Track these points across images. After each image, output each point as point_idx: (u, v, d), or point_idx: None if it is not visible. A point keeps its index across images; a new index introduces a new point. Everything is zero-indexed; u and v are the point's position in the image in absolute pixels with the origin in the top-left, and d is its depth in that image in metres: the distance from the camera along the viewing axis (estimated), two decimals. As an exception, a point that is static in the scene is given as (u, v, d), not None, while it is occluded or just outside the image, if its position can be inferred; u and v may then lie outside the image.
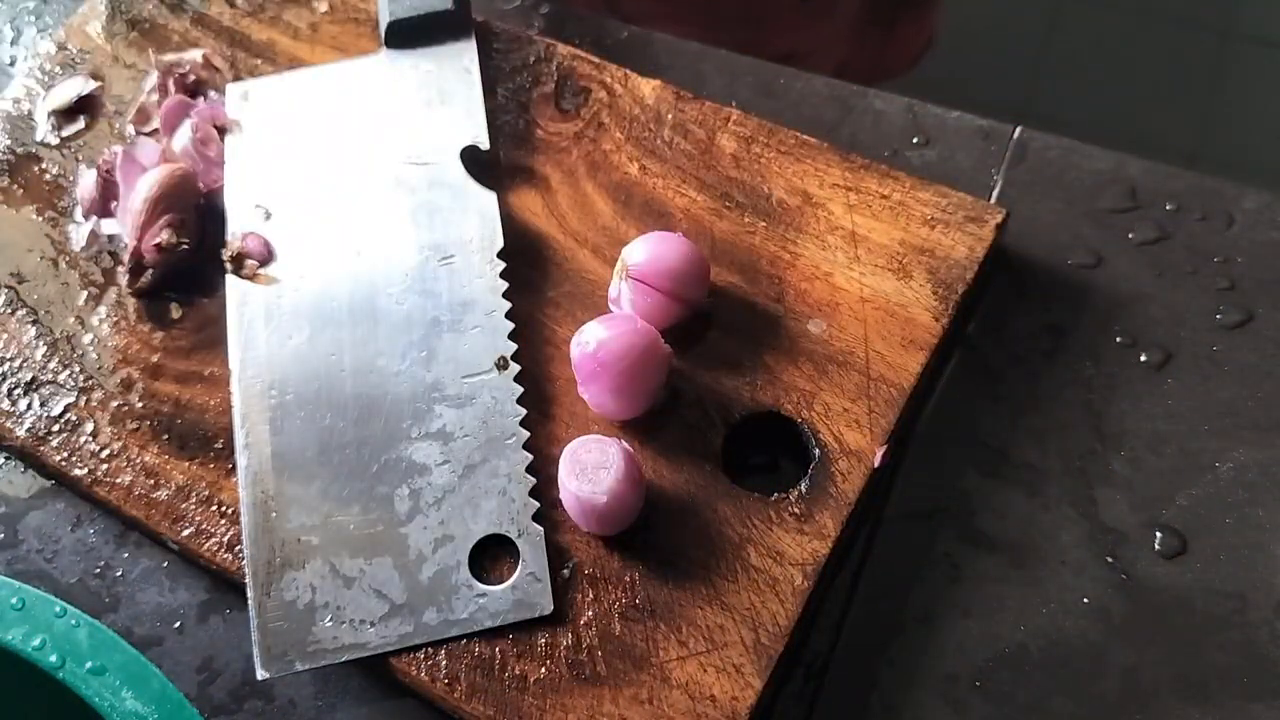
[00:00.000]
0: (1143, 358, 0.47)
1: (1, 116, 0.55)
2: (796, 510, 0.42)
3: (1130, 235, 0.49)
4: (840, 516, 0.42)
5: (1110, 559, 0.43)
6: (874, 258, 0.47)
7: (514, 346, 0.46)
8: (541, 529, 0.42)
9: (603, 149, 0.51)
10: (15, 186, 0.53)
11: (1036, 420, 0.46)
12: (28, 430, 0.47)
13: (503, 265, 0.47)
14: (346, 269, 0.48)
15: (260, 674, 0.40)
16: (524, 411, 0.44)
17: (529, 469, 0.43)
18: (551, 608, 0.41)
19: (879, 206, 0.48)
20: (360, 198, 0.50)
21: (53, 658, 0.32)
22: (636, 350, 0.42)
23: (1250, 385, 0.45)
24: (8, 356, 0.49)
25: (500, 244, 0.48)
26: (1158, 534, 0.43)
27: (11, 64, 0.59)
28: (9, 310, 0.50)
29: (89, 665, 0.32)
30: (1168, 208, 0.50)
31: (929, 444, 0.46)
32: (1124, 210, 0.50)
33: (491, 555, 0.42)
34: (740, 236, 0.48)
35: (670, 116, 0.51)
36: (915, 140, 0.52)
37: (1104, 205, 0.50)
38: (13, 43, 0.60)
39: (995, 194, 0.51)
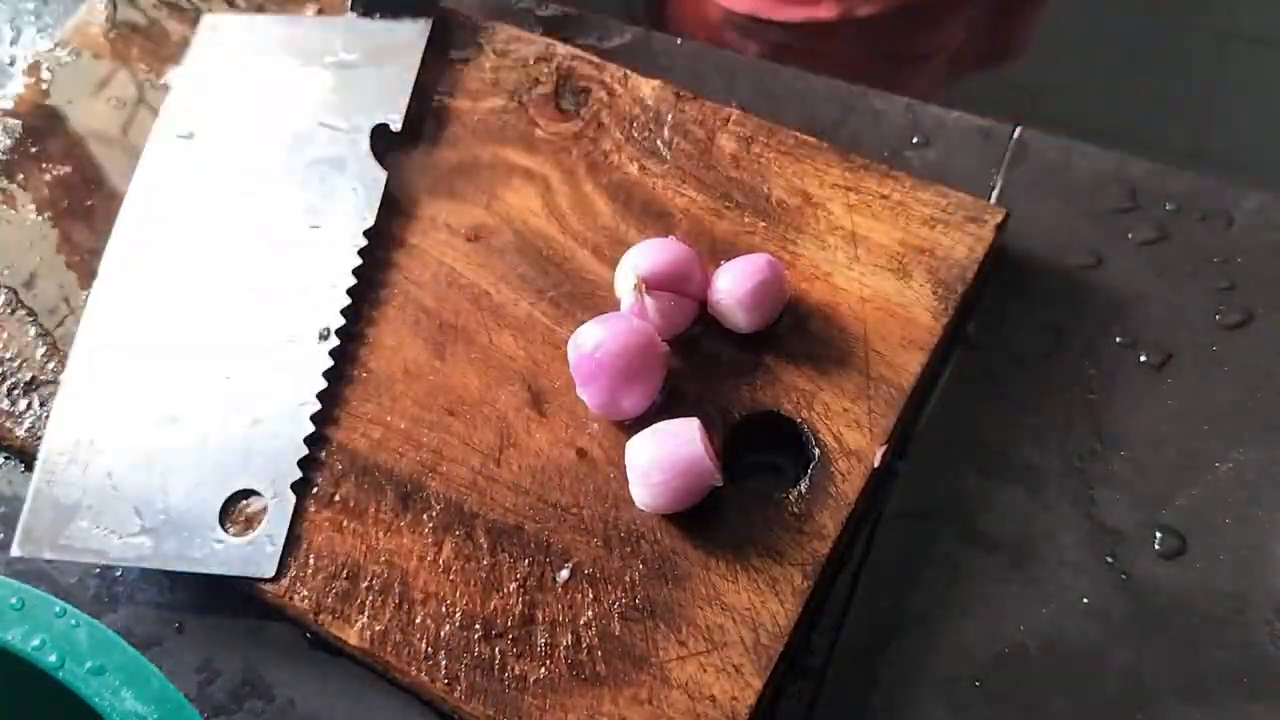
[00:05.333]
0: (1143, 358, 0.47)
1: (1, 116, 0.55)
2: (796, 510, 0.42)
3: (1130, 235, 0.49)
4: (840, 516, 0.42)
5: (1110, 559, 0.43)
6: (874, 258, 0.47)
7: (342, 321, 0.47)
8: (294, 497, 0.44)
9: (603, 149, 0.51)
10: (15, 186, 0.53)
11: (1036, 420, 0.46)
12: (27, 430, 0.47)
13: (365, 243, 0.49)
14: (228, 203, 0.51)
15: (15, 551, 0.43)
16: (325, 384, 0.46)
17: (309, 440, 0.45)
18: (272, 573, 0.42)
19: (879, 206, 0.48)
20: (269, 142, 0.52)
21: (52, 658, 0.32)
22: (634, 350, 0.42)
23: (1250, 385, 0.45)
24: (8, 356, 0.49)
25: (371, 223, 0.49)
26: (1158, 534, 0.43)
27: (11, 64, 0.59)
28: (9, 310, 0.50)
29: (89, 665, 0.32)
30: (1168, 208, 0.49)
31: (929, 444, 0.46)
32: (1124, 210, 0.50)
33: (257, 508, 0.44)
34: (740, 236, 0.48)
35: (670, 116, 0.51)
36: (915, 140, 0.52)
37: (1104, 205, 0.50)
38: (12, 43, 0.60)
39: (995, 194, 0.51)
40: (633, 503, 0.42)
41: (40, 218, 0.52)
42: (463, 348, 0.47)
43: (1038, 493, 0.44)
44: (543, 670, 0.40)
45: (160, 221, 0.50)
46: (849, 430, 0.43)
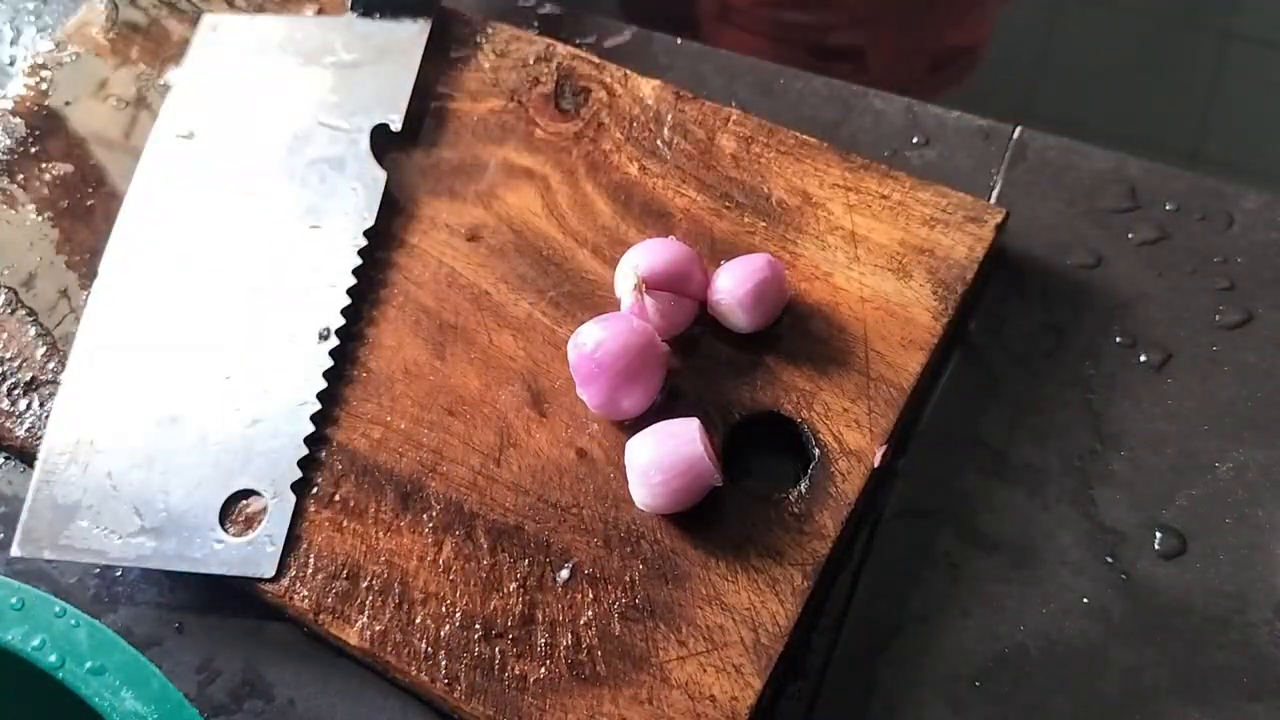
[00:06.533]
0: (1143, 358, 0.47)
1: (1, 116, 0.55)
2: (796, 510, 0.42)
3: (1130, 235, 0.49)
4: (840, 516, 0.42)
5: (1110, 559, 0.43)
6: (874, 258, 0.47)
7: (342, 321, 0.47)
8: (294, 497, 0.44)
9: (603, 149, 0.51)
10: (15, 186, 0.53)
11: (1036, 420, 0.46)
12: (27, 430, 0.47)
13: (365, 243, 0.49)
14: (228, 202, 0.51)
15: (15, 551, 0.43)
16: (325, 384, 0.46)
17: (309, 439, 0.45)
18: (272, 573, 0.42)
19: (879, 206, 0.48)
20: (269, 141, 0.52)
21: (52, 658, 0.32)
22: (634, 349, 0.42)
23: (1250, 385, 0.45)
24: (7, 356, 0.49)
25: (371, 223, 0.49)
26: (1158, 534, 0.43)
27: (11, 64, 0.59)
28: (9, 310, 0.50)
29: (89, 665, 0.32)
30: (1168, 208, 0.50)
31: (929, 444, 0.46)
32: (1124, 210, 0.50)
33: (257, 508, 0.44)
34: (740, 236, 0.48)
35: (670, 116, 0.51)
36: (915, 140, 0.52)
37: (1104, 205, 0.50)
38: (12, 43, 0.60)
39: (995, 194, 0.51)
40: (633, 503, 0.42)
41: (40, 218, 0.52)
42: (463, 348, 0.47)
43: (1038, 493, 0.44)
44: (543, 670, 0.40)
45: (160, 221, 0.50)
46: (849, 430, 0.43)
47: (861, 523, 0.44)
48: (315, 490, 0.44)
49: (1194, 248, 0.49)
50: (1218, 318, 0.47)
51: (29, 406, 0.47)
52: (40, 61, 0.56)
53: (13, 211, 0.52)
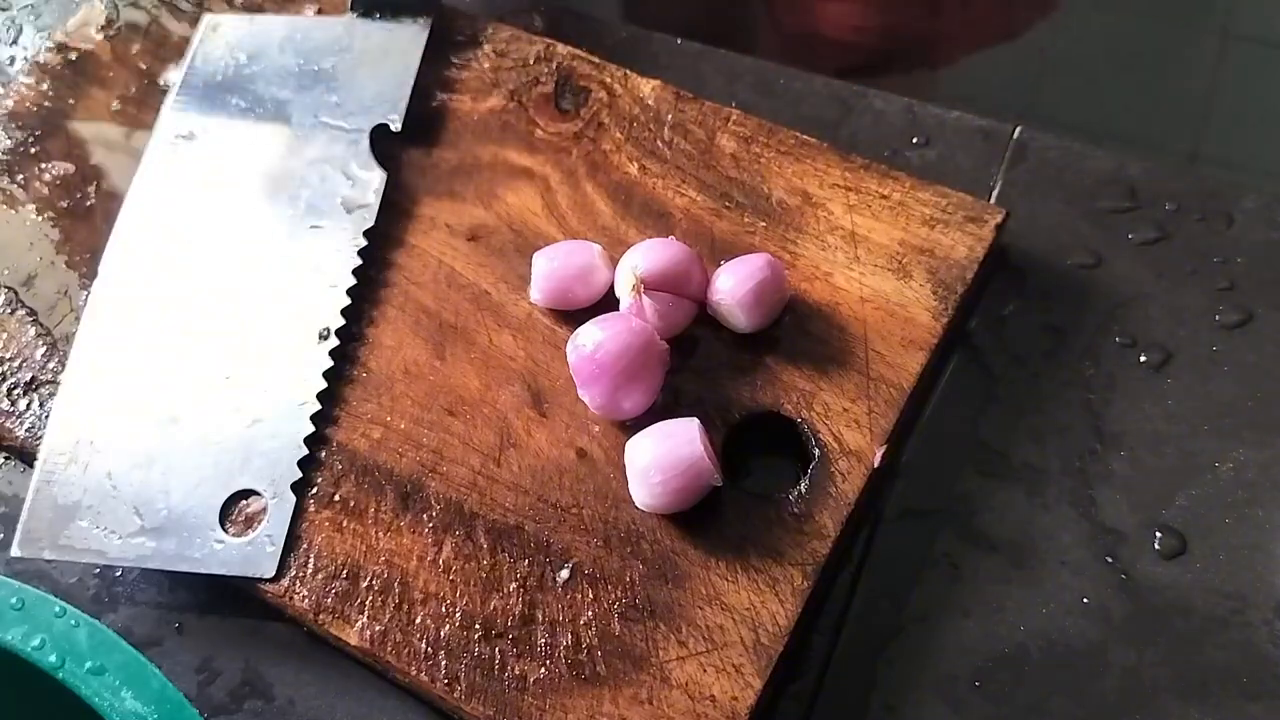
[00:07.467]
0: (1143, 358, 0.47)
1: (1, 116, 0.55)
2: (796, 510, 0.42)
3: (1130, 235, 0.49)
4: (840, 516, 0.42)
5: (1110, 559, 0.43)
6: (874, 258, 0.47)
7: (342, 321, 0.47)
8: (294, 497, 0.44)
9: (602, 149, 0.51)
10: (15, 186, 0.53)
11: (1036, 420, 0.46)
12: (28, 430, 0.47)
13: (365, 243, 0.49)
14: (228, 202, 0.51)
15: (15, 551, 0.43)
16: (325, 384, 0.46)
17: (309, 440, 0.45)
18: (272, 573, 0.42)
19: (879, 206, 0.48)
20: (270, 140, 0.52)
21: (52, 658, 0.32)
22: (634, 349, 0.42)
23: (1250, 385, 0.45)
24: (8, 356, 0.49)
25: (370, 223, 0.49)
26: (1158, 534, 0.43)
27: (11, 64, 0.59)
28: (9, 310, 0.50)
29: (88, 665, 0.32)
30: (1168, 208, 0.49)
31: (929, 444, 0.46)
32: (1124, 210, 0.50)
33: (258, 508, 0.44)
34: (740, 236, 0.48)
35: (670, 116, 0.51)
36: (915, 140, 0.52)
37: (1104, 205, 0.50)
38: (13, 43, 0.60)
39: (995, 194, 0.51)
40: (633, 503, 0.43)
41: (40, 218, 0.52)
42: (463, 348, 0.47)
43: (1038, 493, 0.44)
44: (543, 670, 0.40)
45: (160, 221, 0.50)
46: (849, 430, 0.43)
47: (861, 523, 0.44)
48: (315, 490, 0.44)
49: (1194, 248, 0.49)
50: (1218, 318, 0.47)
51: (29, 406, 0.47)
52: (40, 61, 0.56)
53: (13, 211, 0.52)
